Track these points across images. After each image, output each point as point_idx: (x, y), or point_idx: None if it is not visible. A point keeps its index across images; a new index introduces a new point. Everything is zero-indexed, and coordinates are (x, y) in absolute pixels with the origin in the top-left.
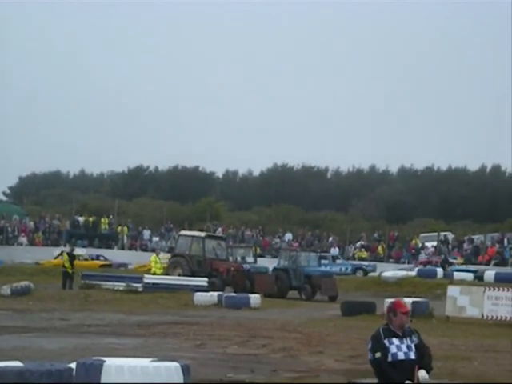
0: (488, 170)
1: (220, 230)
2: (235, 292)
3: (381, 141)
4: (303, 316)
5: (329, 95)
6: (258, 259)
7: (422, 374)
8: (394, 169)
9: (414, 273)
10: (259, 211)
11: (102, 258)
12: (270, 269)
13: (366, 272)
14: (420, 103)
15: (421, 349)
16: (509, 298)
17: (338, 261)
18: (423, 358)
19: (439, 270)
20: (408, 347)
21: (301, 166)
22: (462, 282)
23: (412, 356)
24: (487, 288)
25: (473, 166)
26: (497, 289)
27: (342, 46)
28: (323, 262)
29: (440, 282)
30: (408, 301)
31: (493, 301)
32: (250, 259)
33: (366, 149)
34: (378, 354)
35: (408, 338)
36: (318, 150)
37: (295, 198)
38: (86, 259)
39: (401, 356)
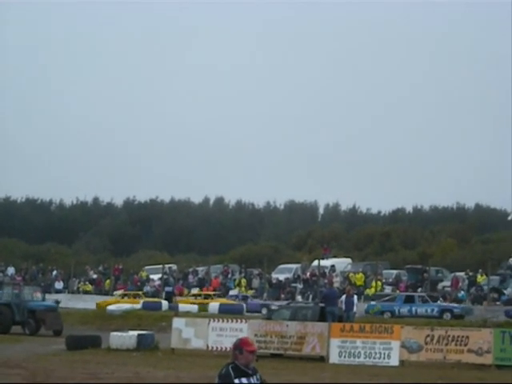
0: (211, 202)
1: None
2: None
3: (107, 173)
4: (27, 351)
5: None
6: None
7: None
8: (118, 201)
9: (139, 305)
10: None
11: None
12: None
13: (456, 316)
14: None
15: None
16: (233, 329)
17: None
18: None
19: (164, 303)
20: None
21: (24, 199)
22: (186, 314)
23: None
24: (211, 319)
25: (196, 199)
26: (221, 320)
27: None
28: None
29: (165, 314)
30: (133, 334)
31: (217, 332)
32: None
33: (91, 181)
34: None
35: (254, 377)
36: (41, 183)
37: (18, 231)
38: None
39: None
